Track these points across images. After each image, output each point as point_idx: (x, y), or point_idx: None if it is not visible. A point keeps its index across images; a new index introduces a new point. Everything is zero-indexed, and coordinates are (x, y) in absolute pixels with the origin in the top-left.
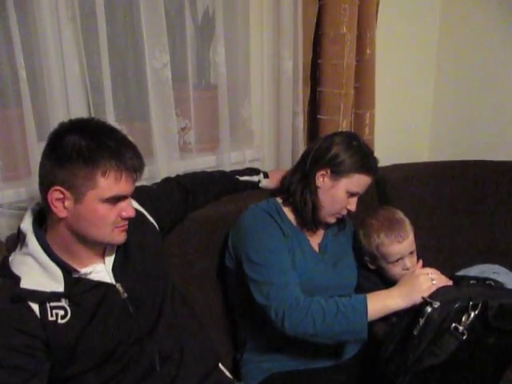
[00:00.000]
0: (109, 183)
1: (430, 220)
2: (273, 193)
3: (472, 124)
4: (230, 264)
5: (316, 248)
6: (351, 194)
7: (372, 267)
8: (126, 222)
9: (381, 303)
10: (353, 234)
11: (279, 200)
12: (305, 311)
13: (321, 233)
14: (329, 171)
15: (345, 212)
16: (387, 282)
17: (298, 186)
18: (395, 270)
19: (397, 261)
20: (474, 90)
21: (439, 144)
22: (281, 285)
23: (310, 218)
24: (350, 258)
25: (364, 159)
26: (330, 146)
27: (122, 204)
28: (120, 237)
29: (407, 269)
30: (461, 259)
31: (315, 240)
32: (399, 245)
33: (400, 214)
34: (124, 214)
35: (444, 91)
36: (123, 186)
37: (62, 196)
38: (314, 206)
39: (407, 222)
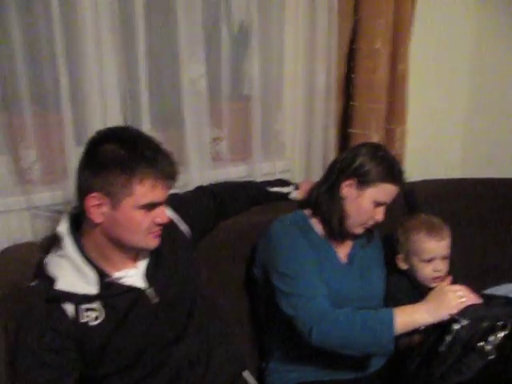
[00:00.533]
0: (145, 191)
1: (460, 237)
2: (301, 204)
3: (504, 141)
4: (257, 274)
5: (344, 259)
6: (378, 204)
7: (404, 267)
8: (160, 228)
9: (408, 317)
10: (380, 246)
11: (307, 212)
12: (332, 323)
13: (349, 244)
14: (354, 181)
15: (372, 222)
16: (417, 287)
17: (325, 196)
18: (426, 270)
19: (429, 261)
20: (506, 106)
21: (470, 161)
22: (309, 296)
23: (337, 229)
24: (378, 270)
25: (389, 168)
26: (356, 156)
27: (157, 210)
28: (154, 242)
29: (438, 271)
30: (489, 277)
31: (343, 251)
32: (436, 243)
33: (440, 220)
34: (158, 220)
35: (476, 108)
36: (159, 194)
37: (98, 202)
38: (341, 217)
39: (447, 227)
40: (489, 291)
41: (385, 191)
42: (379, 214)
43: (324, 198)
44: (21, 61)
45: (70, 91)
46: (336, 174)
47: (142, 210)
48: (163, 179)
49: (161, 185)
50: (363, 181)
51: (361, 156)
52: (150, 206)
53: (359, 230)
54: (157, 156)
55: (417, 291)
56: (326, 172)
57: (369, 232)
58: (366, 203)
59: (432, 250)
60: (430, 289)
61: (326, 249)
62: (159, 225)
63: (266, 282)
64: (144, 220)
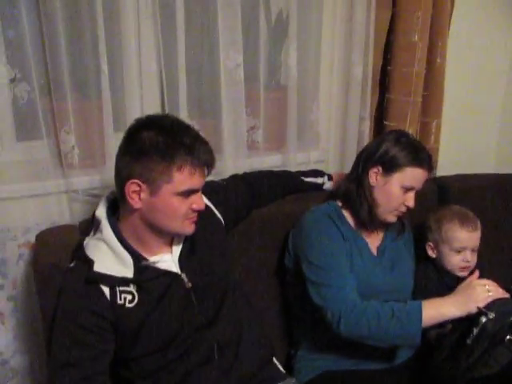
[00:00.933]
0: (184, 178)
1: (490, 232)
2: (333, 196)
3: None
4: (289, 263)
5: (374, 251)
6: (407, 190)
7: (433, 255)
8: (196, 214)
9: (435, 310)
10: (411, 239)
11: (339, 203)
12: (360, 314)
13: (380, 236)
14: (380, 168)
15: (404, 209)
16: (443, 276)
17: (353, 186)
18: (455, 259)
19: (460, 251)
20: None
21: (506, 156)
22: (338, 287)
23: (366, 218)
24: (408, 263)
25: (414, 153)
26: (381, 143)
27: (194, 197)
28: (190, 228)
29: (467, 261)
30: None
31: (374, 243)
32: (468, 233)
33: (472, 213)
34: (195, 207)
35: None
36: (196, 181)
37: (138, 188)
38: (370, 206)
39: (478, 220)
40: None
41: (412, 175)
42: (410, 200)
43: (352, 188)
44: (64, 48)
45: (110, 78)
46: (362, 162)
47: (179, 196)
48: (201, 166)
49: (198, 172)
50: (389, 167)
51: (385, 143)
52: (188, 193)
53: (392, 218)
54: (195, 144)
55: (443, 280)
56: (354, 163)
57: (401, 224)
58: (394, 189)
59: (463, 240)
60: (457, 278)
61: (358, 240)
62: (196, 211)
63: (296, 272)
64: (181, 206)
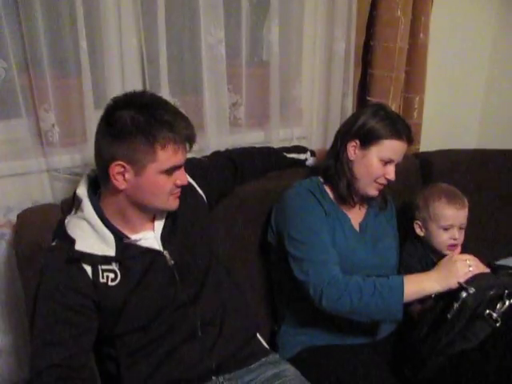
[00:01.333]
0: (168, 155)
1: (475, 207)
2: (315, 171)
3: None
4: (271, 240)
5: (357, 227)
6: (386, 163)
7: (420, 233)
8: (179, 190)
9: (417, 286)
10: (394, 216)
11: (321, 179)
12: (342, 289)
13: (362, 212)
14: (358, 142)
15: (384, 181)
16: (430, 254)
17: (332, 162)
18: (443, 236)
19: (447, 228)
20: None
21: (489, 131)
22: (320, 262)
23: (346, 193)
24: (390, 239)
25: (391, 124)
26: (358, 117)
27: (177, 173)
28: (175, 203)
29: (454, 239)
30: (503, 248)
31: (356, 219)
32: (456, 211)
33: (459, 191)
34: (178, 183)
35: (496, 79)
36: (180, 157)
37: (122, 170)
38: (349, 180)
39: (465, 198)
40: (502, 262)
41: (390, 148)
42: (390, 173)
43: (331, 164)
44: (41, 24)
45: (89, 55)
46: (341, 137)
47: (164, 174)
48: (183, 142)
49: (181, 148)
50: (366, 140)
51: (363, 116)
52: (172, 170)
53: (373, 191)
54: (176, 120)
55: (430, 258)
56: (333, 139)
57: (383, 200)
58: (372, 162)
59: (451, 218)
60: (444, 256)
61: (340, 216)
62: (179, 186)
63: (279, 248)
64: (166, 183)
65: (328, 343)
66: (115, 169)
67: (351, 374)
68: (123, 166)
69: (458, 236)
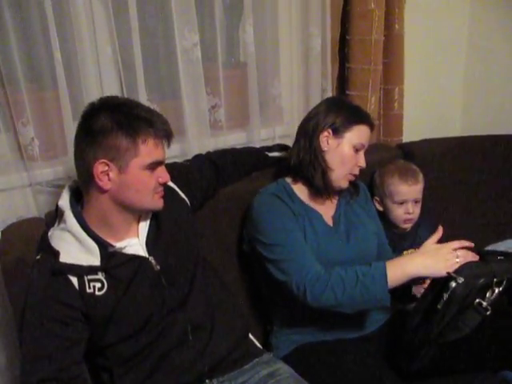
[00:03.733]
0: (149, 150)
1: (460, 194)
2: (282, 172)
3: (504, 98)
4: (246, 248)
5: (330, 222)
6: (357, 150)
7: (380, 208)
8: (162, 188)
9: (401, 271)
10: (369, 199)
11: (288, 179)
12: (325, 283)
13: (333, 204)
14: (331, 131)
15: (357, 170)
16: (391, 228)
17: (304, 156)
18: (398, 211)
19: (401, 203)
20: (505, 62)
21: (471, 119)
22: (298, 260)
23: (321, 185)
24: (367, 226)
25: (357, 111)
26: (320, 110)
27: (159, 170)
28: (160, 202)
29: (408, 213)
30: (491, 234)
31: (328, 213)
32: (408, 187)
33: (415, 167)
34: (161, 180)
35: (475, 65)
36: (160, 152)
37: (106, 168)
38: (324, 171)
39: (421, 174)
40: (490, 247)
41: (360, 133)
42: (362, 160)
43: (303, 158)
44: (13, 38)
45: (64, 66)
46: (311, 130)
47: (147, 170)
48: (162, 138)
49: (161, 143)
50: (338, 128)
51: (326, 108)
52: (154, 165)
53: (345, 183)
54: (152, 116)
55: (392, 232)
56: (297, 134)
57: (353, 187)
58: (346, 149)
59: (403, 194)
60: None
61: (310, 215)
62: (162, 184)
63: (254, 255)
64: (150, 180)
65: (321, 339)
66: (99, 167)
67: (346, 368)
68: (107, 165)
69: (412, 210)
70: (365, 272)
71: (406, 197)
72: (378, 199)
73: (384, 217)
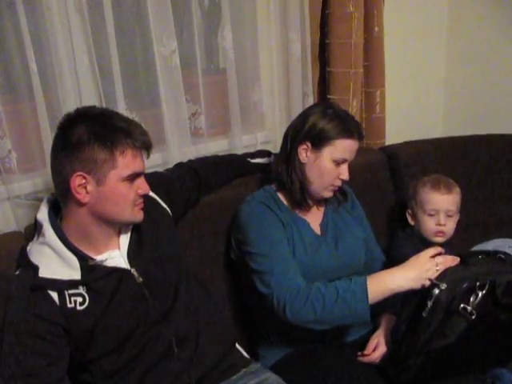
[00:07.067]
0: (127, 161)
1: None
2: (268, 179)
3: (484, 98)
4: (233, 255)
5: (317, 230)
6: (339, 163)
7: (411, 222)
8: (142, 200)
9: (383, 286)
10: (357, 204)
11: (274, 187)
12: (304, 299)
13: (321, 212)
14: (309, 144)
15: (339, 182)
16: (423, 242)
17: (283, 167)
18: (429, 222)
19: (432, 214)
20: (485, 64)
21: (452, 120)
22: (281, 274)
23: (300, 197)
24: (354, 234)
25: (342, 124)
26: (306, 118)
27: (138, 181)
28: (140, 214)
29: (440, 225)
30: (477, 234)
31: (316, 221)
32: (440, 196)
33: (452, 180)
34: (140, 192)
35: (455, 66)
36: (139, 163)
37: (84, 181)
38: (302, 184)
39: (457, 187)
40: (478, 247)
41: (342, 147)
42: (344, 173)
43: (283, 168)
44: None
45: (40, 77)
46: (290, 141)
47: (125, 182)
48: (140, 148)
49: (140, 154)
50: (318, 141)
51: (311, 117)
52: (133, 177)
53: (328, 194)
54: (131, 127)
55: (424, 247)
56: (282, 143)
57: (340, 193)
58: (325, 163)
59: (435, 203)
60: (433, 245)
61: (298, 223)
62: (141, 196)
63: (242, 264)
64: (129, 192)
65: (309, 348)
66: (76, 180)
67: (335, 375)
68: (84, 177)
69: (444, 222)
70: (345, 288)
71: (438, 206)
72: (410, 212)
73: (414, 232)
